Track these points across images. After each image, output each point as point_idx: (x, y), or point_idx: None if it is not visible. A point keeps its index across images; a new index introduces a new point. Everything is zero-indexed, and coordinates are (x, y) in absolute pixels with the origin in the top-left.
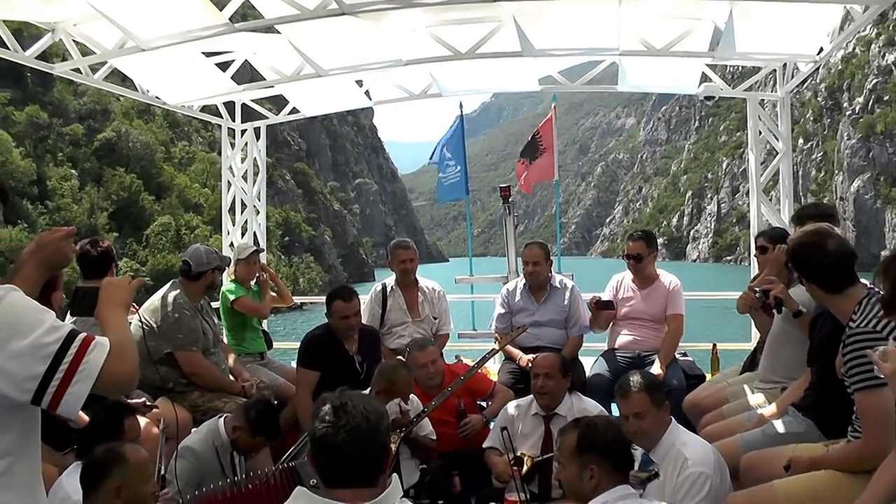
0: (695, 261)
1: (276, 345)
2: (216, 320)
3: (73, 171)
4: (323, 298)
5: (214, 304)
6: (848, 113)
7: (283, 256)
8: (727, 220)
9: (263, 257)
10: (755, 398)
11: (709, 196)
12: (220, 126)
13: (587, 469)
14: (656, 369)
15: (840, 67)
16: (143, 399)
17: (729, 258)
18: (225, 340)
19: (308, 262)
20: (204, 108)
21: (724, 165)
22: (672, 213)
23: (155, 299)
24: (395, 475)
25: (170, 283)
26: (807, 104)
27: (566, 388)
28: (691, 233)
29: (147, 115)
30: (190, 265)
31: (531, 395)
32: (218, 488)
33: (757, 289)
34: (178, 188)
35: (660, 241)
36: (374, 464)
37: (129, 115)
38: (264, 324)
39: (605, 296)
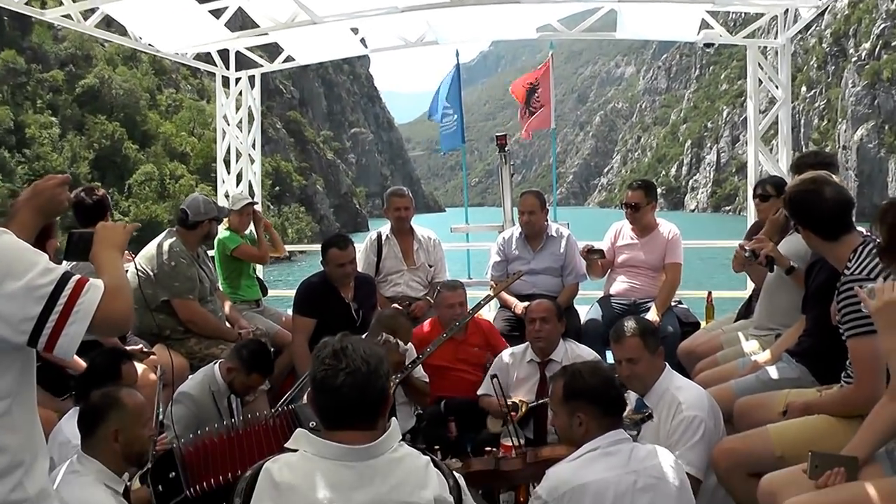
0: (693, 210)
1: (270, 293)
2: (212, 268)
3: (53, 118)
4: (314, 247)
5: (210, 253)
6: (854, 59)
7: (271, 206)
8: (726, 170)
9: (257, 207)
10: (749, 345)
11: (708, 145)
12: (209, 74)
13: (575, 416)
14: (652, 316)
15: (847, 13)
16: (140, 346)
17: (728, 208)
18: (221, 288)
19: (298, 212)
20: (197, 56)
21: (725, 114)
22: (671, 163)
23: (151, 247)
24: (394, 419)
25: (166, 231)
26: (811, 51)
27: (560, 333)
28: (690, 182)
29: (132, 62)
30: (187, 214)
31: (526, 343)
32: (215, 431)
33: (747, 248)
34: (164, 137)
35: (659, 190)
36: (374, 407)
37: (113, 61)
38: (259, 271)
39: (603, 244)
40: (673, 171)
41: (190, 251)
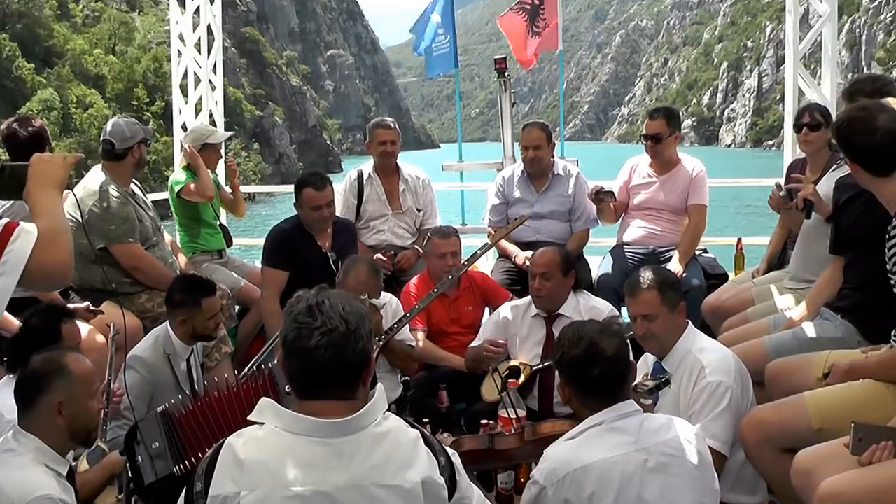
0: (729, 146)
1: (236, 241)
2: (151, 205)
3: None
4: (283, 188)
5: (156, 197)
6: None
7: None
8: (769, 97)
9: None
10: (783, 300)
11: (748, 69)
12: None
13: (562, 389)
14: (674, 266)
15: None
16: (86, 304)
17: (770, 142)
18: (178, 241)
19: (250, 149)
20: None
21: (768, 31)
22: (703, 90)
23: (76, 191)
24: (379, 385)
25: (91, 170)
26: None
27: (569, 287)
28: (726, 112)
29: None
30: (112, 143)
31: (525, 298)
32: (186, 398)
33: (783, 187)
34: (73, 55)
35: (688, 122)
36: (353, 373)
37: None
38: (222, 216)
39: (615, 184)
40: (706, 98)
41: (123, 186)
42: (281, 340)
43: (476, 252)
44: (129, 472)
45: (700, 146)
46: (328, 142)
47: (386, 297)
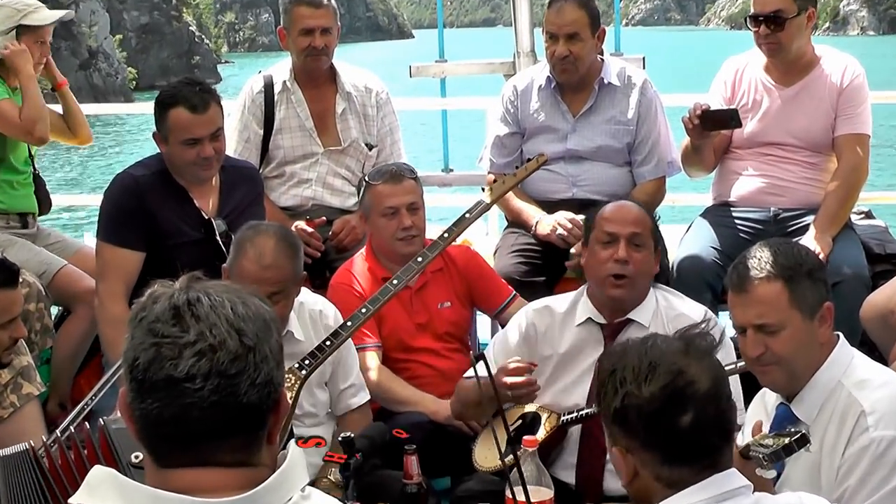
0: (857, 34)
1: (56, 201)
2: None
3: None
4: (120, 107)
5: None
6: None
7: None
8: None
9: None
10: None
11: None
12: None
13: (617, 452)
14: (811, 242)
15: None
16: None
17: None
18: None
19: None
20: None
21: None
22: None
23: None
24: (292, 445)
25: None
26: None
27: (652, 276)
28: None
29: None
30: None
31: (578, 290)
32: None
33: None
34: None
35: None
36: (252, 421)
37: None
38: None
39: (710, 99)
40: None
41: None
42: (126, 368)
43: (464, 215)
44: None
45: (825, 35)
46: (193, 30)
47: (314, 302)
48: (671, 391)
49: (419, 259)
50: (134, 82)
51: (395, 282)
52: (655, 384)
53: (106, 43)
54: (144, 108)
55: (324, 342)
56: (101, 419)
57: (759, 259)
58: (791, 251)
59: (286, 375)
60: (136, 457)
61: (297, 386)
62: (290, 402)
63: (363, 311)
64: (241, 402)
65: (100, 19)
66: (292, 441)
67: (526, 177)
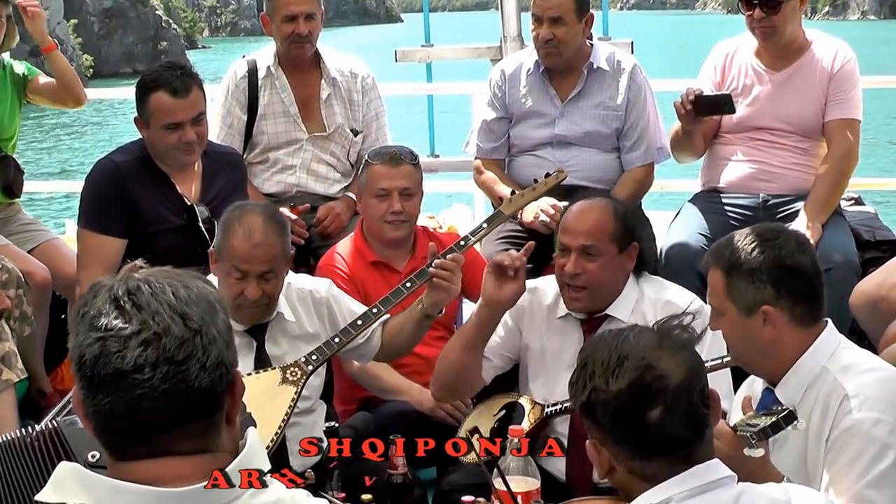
0: (859, 18)
1: (29, 186)
2: None
3: None
4: (103, 91)
5: None
6: None
7: None
8: None
9: None
10: None
11: None
12: None
13: (598, 452)
14: (801, 226)
15: None
16: None
17: None
18: None
19: None
20: None
21: None
22: None
23: None
24: (251, 431)
25: None
26: None
27: (626, 271)
28: None
29: None
30: None
31: (549, 279)
32: None
33: None
34: None
35: None
36: (206, 406)
37: None
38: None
39: (701, 84)
40: None
41: None
42: (75, 366)
43: (481, 225)
44: None
45: (825, 20)
46: (160, 14)
47: (302, 281)
48: (638, 386)
49: (428, 265)
50: (90, 70)
51: (408, 284)
52: (623, 379)
53: (59, 28)
54: (101, 93)
55: (332, 339)
56: (54, 421)
57: (741, 244)
58: (776, 237)
59: (292, 369)
60: (93, 456)
61: (302, 381)
62: (296, 396)
63: (374, 311)
64: (193, 386)
65: (52, 3)
66: (251, 427)
67: (545, 192)
